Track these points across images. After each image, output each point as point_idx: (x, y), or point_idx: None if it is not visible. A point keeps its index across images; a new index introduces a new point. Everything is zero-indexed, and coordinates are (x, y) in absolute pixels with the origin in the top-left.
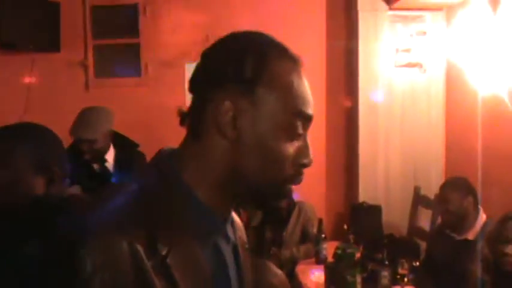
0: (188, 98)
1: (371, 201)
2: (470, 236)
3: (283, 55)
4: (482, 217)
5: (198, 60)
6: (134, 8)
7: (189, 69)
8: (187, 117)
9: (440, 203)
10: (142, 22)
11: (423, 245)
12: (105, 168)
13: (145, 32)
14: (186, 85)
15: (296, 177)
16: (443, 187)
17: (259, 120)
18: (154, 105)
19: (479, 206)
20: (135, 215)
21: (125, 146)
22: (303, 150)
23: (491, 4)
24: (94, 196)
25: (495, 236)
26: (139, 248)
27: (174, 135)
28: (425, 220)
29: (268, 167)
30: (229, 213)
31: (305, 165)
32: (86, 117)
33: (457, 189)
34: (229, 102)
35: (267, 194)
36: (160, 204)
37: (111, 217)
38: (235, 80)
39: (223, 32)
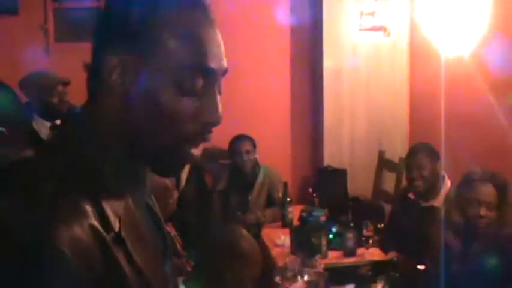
0: None
1: (336, 165)
2: (437, 202)
3: (178, 1)
4: (447, 183)
5: None
6: None
7: None
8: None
9: (412, 169)
10: None
11: (388, 207)
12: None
13: None
14: None
15: (200, 137)
16: (415, 153)
17: (149, 76)
18: None
19: (444, 172)
20: (77, 192)
21: None
22: (208, 108)
23: None
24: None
25: (465, 200)
26: (97, 225)
27: None
28: (389, 183)
29: (162, 126)
30: (145, 175)
31: (211, 124)
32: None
33: (429, 155)
34: (116, 58)
35: (167, 156)
36: (89, 177)
37: (59, 198)
38: (120, 32)
39: None
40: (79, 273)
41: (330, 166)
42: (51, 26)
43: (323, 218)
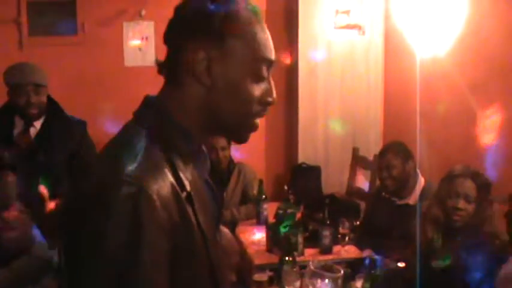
0: (127, 57)
1: (310, 162)
2: (411, 200)
3: (247, 8)
4: (421, 181)
5: (136, 19)
6: None
7: (127, 28)
8: (164, 68)
9: (382, 169)
10: None
11: (362, 204)
12: (27, 132)
13: None
14: (124, 44)
15: (261, 113)
16: (385, 153)
17: (229, 67)
18: (91, 65)
19: (418, 170)
20: (159, 157)
21: (57, 114)
22: (268, 91)
23: None
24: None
25: (444, 193)
26: (175, 183)
27: (111, 94)
28: (363, 181)
29: (239, 106)
30: (207, 156)
31: (270, 103)
32: (29, 64)
33: (398, 154)
34: (203, 52)
35: (239, 128)
36: (169, 145)
37: (147, 162)
38: (206, 31)
39: None
40: (163, 217)
41: (304, 163)
42: (24, 20)
43: (298, 215)
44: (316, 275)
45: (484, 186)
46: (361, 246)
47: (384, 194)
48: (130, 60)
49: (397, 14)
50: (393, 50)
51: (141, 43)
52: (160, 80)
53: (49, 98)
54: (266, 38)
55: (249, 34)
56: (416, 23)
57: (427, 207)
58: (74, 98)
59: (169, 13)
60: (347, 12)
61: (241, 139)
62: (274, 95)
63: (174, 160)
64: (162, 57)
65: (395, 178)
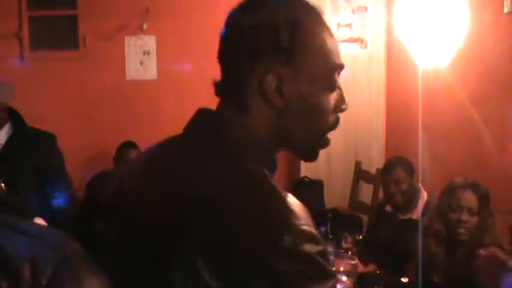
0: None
1: (313, 176)
2: (414, 215)
3: (312, 15)
4: (424, 196)
5: (138, 33)
6: None
7: (129, 42)
8: (224, 90)
9: (390, 184)
10: None
11: (365, 218)
12: None
13: (84, 3)
14: (126, 58)
15: (336, 125)
16: (392, 167)
17: (301, 84)
18: (92, 79)
19: (420, 185)
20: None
21: (22, 127)
22: (340, 99)
23: None
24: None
25: (446, 207)
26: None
27: (113, 108)
28: (366, 194)
29: (315, 123)
30: None
31: (343, 110)
32: None
33: (406, 169)
34: (271, 72)
35: (313, 146)
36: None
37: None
38: (273, 50)
39: (165, 3)
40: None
41: (306, 177)
42: (26, 34)
43: None
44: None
45: (484, 197)
46: (364, 261)
47: (386, 208)
48: (132, 74)
49: (399, 27)
50: (395, 63)
51: (143, 57)
52: (161, 94)
53: (12, 111)
54: (333, 42)
55: (318, 44)
56: (418, 37)
57: (429, 221)
58: (75, 112)
59: (171, 27)
60: (349, 25)
61: (313, 157)
62: (346, 101)
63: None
64: (163, 71)
65: (404, 193)
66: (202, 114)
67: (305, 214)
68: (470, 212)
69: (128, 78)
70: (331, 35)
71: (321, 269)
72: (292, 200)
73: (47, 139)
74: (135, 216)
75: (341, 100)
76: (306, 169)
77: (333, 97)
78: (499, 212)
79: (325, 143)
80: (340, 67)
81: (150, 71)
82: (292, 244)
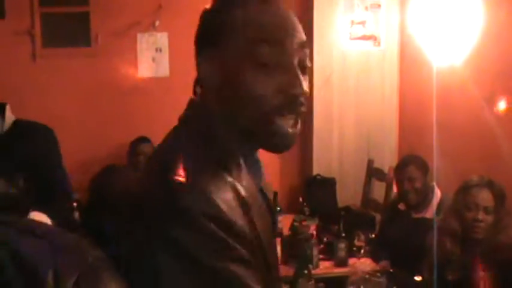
0: (141, 68)
1: (325, 174)
2: (428, 214)
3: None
4: (438, 194)
5: (150, 30)
6: None
7: (141, 39)
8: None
9: (404, 182)
10: None
11: (378, 216)
12: None
13: (96, 1)
14: (138, 55)
15: (285, 107)
16: (406, 165)
17: (226, 64)
18: (105, 76)
19: (434, 183)
20: (215, 162)
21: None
22: (290, 80)
23: None
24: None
25: (461, 205)
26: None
27: (125, 105)
28: (378, 192)
29: (248, 102)
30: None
31: (295, 95)
32: None
33: (420, 167)
34: (203, 58)
35: (262, 132)
36: (222, 149)
37: (210, 168)
38: (202, 36)
39: (177, 0)
40: (236, 224)
41: (319, 175)
42: (38, 32)
43: (314, 228)
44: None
45: (500, 196)
46: (376, 259)
47: (400, 207)
48: (144, 71)
49: (412, 24)
50: (409, 61)
51: (155, 54)
52: (173, 90)
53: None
54: (270, 17)
55: (245, 19)
56: (432, 34)
57: (444, 219)
58: (88, 109)
59: (183, 24)
60: (362, 23)
61: (273, 147)
62: (302, 86)
63: (229, 164)
64: (175, 68)
65: (418, 191)
66: (189, 104)
67: (228, 206)
68: (487, 211)
69: (140, 75)
70: (271, 16)
71: (225, 246)
72: (224, 195)
73: (43, 133)
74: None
75: (290, 82)
76: (319, 167)
77: (270, 78)
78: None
79: (276, 130)
80: (271, 42)
81: (163, 68)
82: (198, 218)
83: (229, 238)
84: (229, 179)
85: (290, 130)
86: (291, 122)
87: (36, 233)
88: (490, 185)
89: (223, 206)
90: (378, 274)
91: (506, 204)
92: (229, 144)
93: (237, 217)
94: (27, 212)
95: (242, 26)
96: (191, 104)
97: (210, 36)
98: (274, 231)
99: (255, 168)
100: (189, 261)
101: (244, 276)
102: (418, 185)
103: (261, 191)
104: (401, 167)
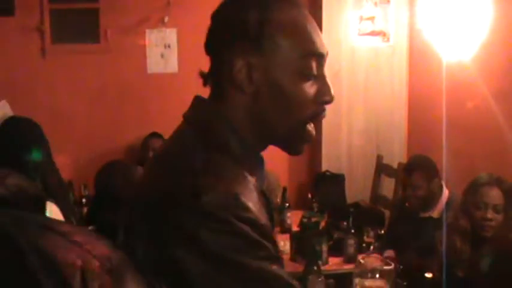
0: (150, 64)
1: (334, 170)
2: (435, 214)
3: (284, 5)
4: (445, 193)
5: (159, 26)
6: None
7: (150, 35)
8: (209, 80)
9: (407, 187)
10: None
11: (387, 213)
12: None
13: None
14: (147, 51)
15: (318, 115)
16: (412, 171)
17: (272, 70)
18: (114, 72)
19: (443, 182)
20: (235, 163)
21: None
22: (323, 88)
23: None
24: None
25: (471, 204)
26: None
27: (134, 101)
28: (388, 188)
29: (288, 111)
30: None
31: (326, 102)
32: None
33: (423, 172)
34: (241, 60)
35: (291, 136)
36: (225, 148)
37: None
38: (242, 37)
39: None
40: (264, 224)
41: (328, 171)
42: (47, 28)
43: (322, 224)
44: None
45: (510, 193)
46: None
47: (407, 205)
48: (153, 67)
49: (421, 20)
50: (418, 56)
51: (164, 50)
52: (181, 87)
53: None
54: (310, 30)
55: (289, 31)
56: (441, 30)
57: (453, 218)
58: (97, 105)
59: (192, 20)
60: (371, 18)
61: (296, 150)
62: (332, 92)
63: (242, 163)
64: (184, 64)
65: (420, 198)
66: (194, 103)
67: (255, 206)
68: (496, 210)
69: (149, 71)
70: (307, 21)
71: (253, 242)
72: (250, 195)
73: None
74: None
75: (324, 91)
76: (328, 163)
77: (310, 86)
78: None
79: (304, 136)
80: (317, 55)
81: (171, 64)
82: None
83: (261, 238)
84: (251, 178)
85: (314, 134)
86: (312, 126)
87: (63, 234)
88: (499, 182)
89: (252, 207)
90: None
91: None
92: (233, 143)
93: (262, 217)
94: (45, 208)
95: (293, 36)
96: (199, 102)
97: (254, 38)
98: (273, 229)
99: (259, 169)
100: (223, 263)
101: (283, 274)
102: (420, 193)
103: (264, 194)
104: (406, 172)
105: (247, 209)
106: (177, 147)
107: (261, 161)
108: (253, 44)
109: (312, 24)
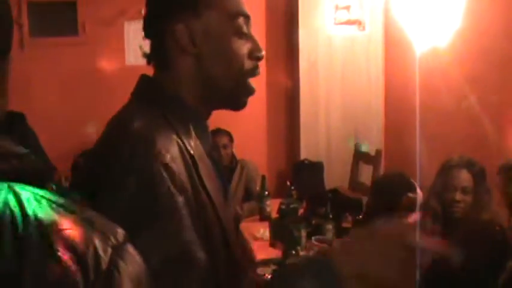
0: (128, 56)
1: (313, 158)
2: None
3: None
4: (419, 195)
5: (137, 18)
6: None
7: (128, 28)
8: (152, 56)
9: (375, 196)
10: None
11: (365, 199)
12: None
13: None
14: (126, 44)
15: (254, 70)
16: (378, 191)
17: (210, 32)
18: (92, 64)
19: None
20: (165, 124)
21: None
22: (254, 47)
23: None
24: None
25: (441, 186)
26: (182, 144)
27: (113, 93)
28: (366, 175)
29: (230, 65)
30: (208, 128)
31: (259, 58)
32: None
33: (393, 189)
34: (183, 25)
35: (235, 90)
36: (169, 113)
37: (157, 127)
38: (181, 7)
39: None
40: (180, 180)
41: (306, 159)
42: (25, 21)
43: (301, 211)
44: None
45: (479, 175)
46: None
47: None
48: (132, 59)
49: (396, 8)
50: (393, 45)
51: (142, 42)
52: None
53: None
54: None
55: None
56: (415, 18)
57: (425, 199)
58: (75, 98)
59: None
60: (347, 7)
61: (239, 104)
62: (262, 50)
63: (175, 125)
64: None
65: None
66: (138, 80)
67: (173, 161)
68: (465, 191)
69: (127, 63)
70: None
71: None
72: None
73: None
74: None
75: (255, 48)
76: (306, 152)
77: (243, 43)
78: (497, 187)
79: (247, 90)
80: (245, 16)
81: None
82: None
83: (171, 185)
84: (176, 137)
85: (253, 88)
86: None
87: (69, 209)
88: (469, 165)
89: (168, 157)
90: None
91: (486, 183)
92: (177, 109)
93: (180, 170)
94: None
95: (224, 3)
96: (142, 78)
97: (190, 5)
98: (227, 197)
99: (204, 134)
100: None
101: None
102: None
103: (211, 156)
104: (377, 185)
105: (163, 156)
106: (117, 119)
107: (205, 125)
108: (191, 11)
109: None
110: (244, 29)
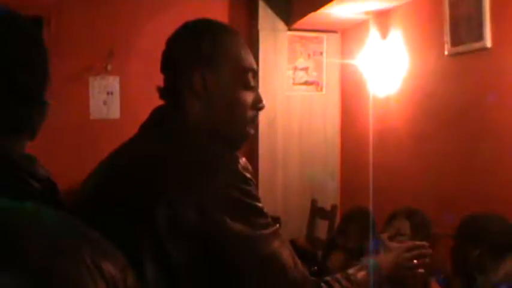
0: (92, 111)
1: (270, 213)
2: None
3: (228, 32)
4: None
5: (102, 73)
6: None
7: (93, 82)
8: (165, 92)
9: (339, 235)
10: (46, 35)
11: (319, 252)
12: None
13: (49, 44)
14: (90, 98)
15: (255, 119)
16: (344, 229)
17: (223, 82)
18: (57, 118)
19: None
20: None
21: None
22: (258, 98)
23: (380, 30)
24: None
25: (384, 232)
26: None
27: (77, 146)
28: (322, 230)
29: (235, 114)
30: None
31: (261, 108)
32: None
33: (357, 227)
34: (199, 73)
35: (237, 134)
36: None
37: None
38: (198, 57)
39: (129, 45)
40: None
41: None
42: None
43: None
44: None
45: (418, 224)
46: None
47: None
48: (96, 113)
49: (352, 71)
50: (349, 105)
51: (107, 97)
52: (123, 132)
53: None
54: (247, 52)
55: (233, 53)
56: (369, 77)
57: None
58: (39, 150)
59: (134, 68)
60: (305, 69)
61: (238, 147)
62: (264, 101)
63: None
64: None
65: (351, 249)
66: (152, 113)
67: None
68: (402, 239)
69: (91, 117)
70: (244, 47)
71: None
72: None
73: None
74: (100, 207)
75: (258, 99)
76: (264, 205)
77: (249, 95)
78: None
79: (247, 134)
80: (253, 70)
81: (113, 111)
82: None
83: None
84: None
85: (251, 134)
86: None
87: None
88: (409, 214)
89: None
90: None
91: (430, 232)
92: (214, 148)
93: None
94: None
95: (235, 56)
96: (159, 109)
97: (210, 58)
98: None
99: None
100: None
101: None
102: (351, 244)
103: None
104: (344, 221)
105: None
106: (141, 149)
107: None
108: (207, 62)
109: (246, 48)
110: (252, 82)
